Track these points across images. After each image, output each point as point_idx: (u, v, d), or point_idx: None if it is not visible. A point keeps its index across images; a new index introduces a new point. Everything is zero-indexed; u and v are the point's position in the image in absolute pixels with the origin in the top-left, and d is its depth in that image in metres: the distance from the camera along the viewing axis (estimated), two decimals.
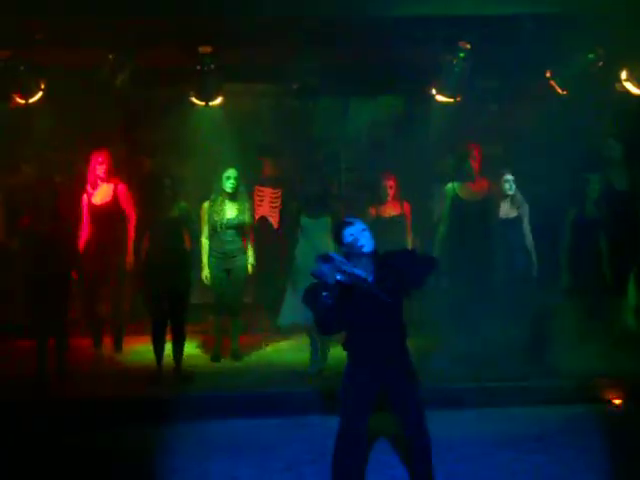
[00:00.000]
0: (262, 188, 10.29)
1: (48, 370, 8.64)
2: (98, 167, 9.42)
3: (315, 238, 8.85)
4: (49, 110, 9.73)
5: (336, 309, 5.60)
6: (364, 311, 5.72)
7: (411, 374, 5.85)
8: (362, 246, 5.76)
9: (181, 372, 8.78)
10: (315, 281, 5.64)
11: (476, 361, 8.24)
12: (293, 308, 8.78)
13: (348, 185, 10.54)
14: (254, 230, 9.56)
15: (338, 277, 5.56)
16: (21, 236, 8.76)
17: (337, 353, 8.56)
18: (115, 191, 9.45)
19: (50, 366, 8.65)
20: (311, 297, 5.69)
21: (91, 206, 9.42)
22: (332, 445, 5.96)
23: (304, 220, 8.93)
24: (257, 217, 10.15)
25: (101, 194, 9.46)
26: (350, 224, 5.83)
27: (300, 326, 8.96)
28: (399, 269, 5.71)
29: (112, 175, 9.47)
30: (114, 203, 9.42)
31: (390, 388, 5.82)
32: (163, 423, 7.70)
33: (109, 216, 9.39)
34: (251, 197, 9.82)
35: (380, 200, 9.46)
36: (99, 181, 9.45)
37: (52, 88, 9.61)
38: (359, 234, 5.77)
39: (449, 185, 9.54)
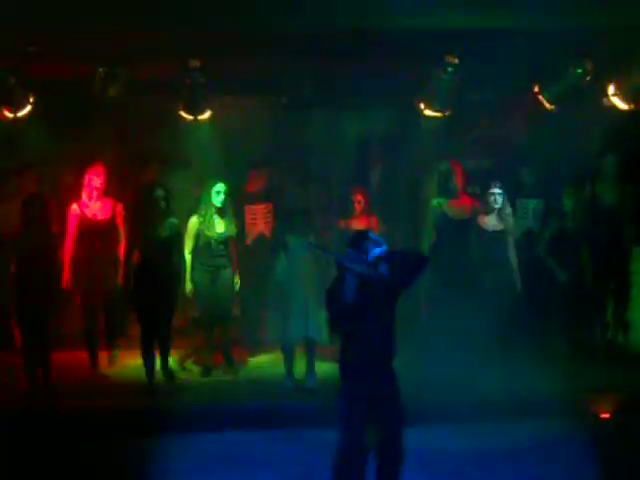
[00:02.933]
0: (253, 206, 10.22)
1: (38, 384, 8.62)
2: (95, 179, 9.32)
3: (296, 257, 8.89)
4: (40, 123, 9.72)
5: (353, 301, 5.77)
6: (366, 313, 5.84)
7: (396, 389, 5.98)
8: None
9: (167, 369, 8.97)
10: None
11: (465, 375, 8.25)
12: (276, 326, 8.86)
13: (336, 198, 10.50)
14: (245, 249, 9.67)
15: (358, 269, 5.75)
16: (11, 250, 8.73)
17: (325, 368, 8.77)
18: (114, 208, 9.37)
19: (39, 380, 8.64)
20: (336, 289, 5.84)
21: (84, 219, 9.30)
22: (324, 459, 5.99)
23: (287, 238, 8.97)
24: (254, 236, 10.14)
25: (97, 209, 9.36)
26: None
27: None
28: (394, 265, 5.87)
29: (109, 190, 9.41)
30: (112, 220, 9.35)
31: (376, 400, 5.91)
32: (155, 436, 7.68)
33: (106, 232, 9.32)
34: (241, 215, 9.84)
35: (348, 214, 9.49)
36: (95, 194, 9.34)
37: (42, 101, 9.59)
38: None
39: (433, 202, 9.56)
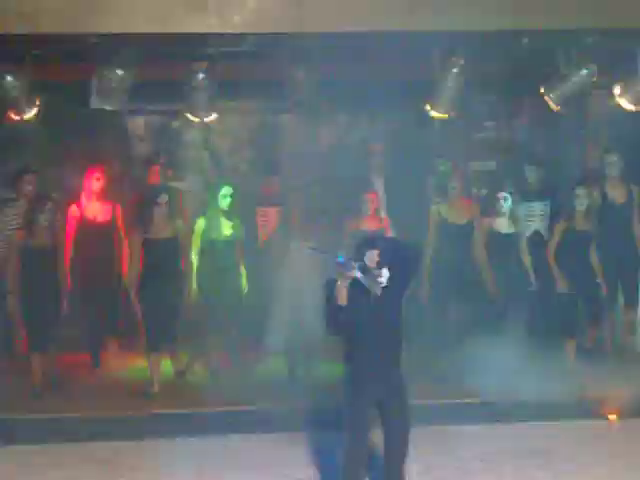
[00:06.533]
0: (265, 209, 10.21)
1: (41, 385, 8.64)
2: (95, 183, 9.40)
3: (299, 261, 8.88)
4: (46, 125, 9.72)
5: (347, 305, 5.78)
6: (367, 315, 5.86)
7: (402, 389, 5.97)
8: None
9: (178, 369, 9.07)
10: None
11: (474, 377, 8.23)
12: (277, 328, 8.88)
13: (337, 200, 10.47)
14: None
15: (357, 274, 5.75)
16: (16, 250, 8.76)
17: (328, 369, 8.75)
18: (114, 211, 9.43)
19: (43, 381, 8.65)
20: (329, 289, 5.85)
21: (84, 221, 9.35)
22: (328, 461, 5.98)
23: (290, 244, 9.00)
24: (264, 238, 10.04)
25: (97, 211, 9.40)
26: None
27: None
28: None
29: (109, 193, 9.45)
30: (112, 222, 9.40)
31: (382, 401, 5.93)
32: (158, 439, 7.73)
33: (105, 234, 9.35)
34: (252, 217, 9.83)
35: (361, 214, 9.47)
36: (94, 197, 9.40)
37: (48, 104, 9.60)
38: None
39: (433, 207, 9.52)
